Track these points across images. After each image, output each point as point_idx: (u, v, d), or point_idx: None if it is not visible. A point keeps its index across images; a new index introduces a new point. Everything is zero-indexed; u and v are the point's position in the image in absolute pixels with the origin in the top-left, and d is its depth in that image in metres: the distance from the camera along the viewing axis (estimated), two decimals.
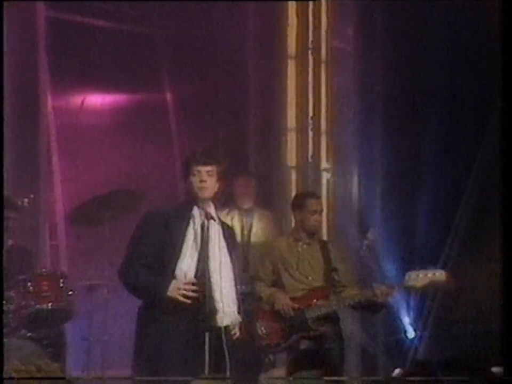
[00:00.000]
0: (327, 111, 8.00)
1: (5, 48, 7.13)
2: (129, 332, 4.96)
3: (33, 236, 7.03)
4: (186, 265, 4.65)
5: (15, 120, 7.41)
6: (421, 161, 7.76)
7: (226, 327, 4.70)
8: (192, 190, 4.79)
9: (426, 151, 7.75)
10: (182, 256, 4.67)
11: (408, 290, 6.45)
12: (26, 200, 6.80)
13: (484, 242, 7.13)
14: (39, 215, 7.19)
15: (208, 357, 4.53)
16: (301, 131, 7.95)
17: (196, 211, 4.76)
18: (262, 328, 6.13)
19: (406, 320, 7.74)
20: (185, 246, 4.67)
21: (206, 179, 4.77)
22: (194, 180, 4.78)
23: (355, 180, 7.96)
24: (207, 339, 4.56)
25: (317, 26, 7.99)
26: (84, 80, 7.83)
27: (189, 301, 4.57)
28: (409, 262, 7.34)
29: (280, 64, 8.01)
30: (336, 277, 6.32)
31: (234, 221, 7.18)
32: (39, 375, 4.05)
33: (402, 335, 7.72)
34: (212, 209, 4.80)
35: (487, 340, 6.69)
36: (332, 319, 6.23)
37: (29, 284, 5.83)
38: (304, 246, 6.36)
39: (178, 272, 4.65)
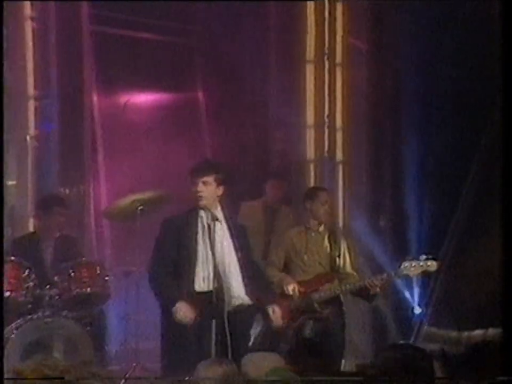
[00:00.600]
0: (342, 110, 8.81)
1: (53, 55, 8.04)
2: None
3: (79, 226, 7.94)
4: (200, 266, 5.52)
5: (64, 119, 8.33)
6: (428, 155, 8.42)
7: (232, 311, 5.53)
8: (193, 198, 5.65)
9: (434, 146, 8.40)
10: (197, 258, 5.54)
11: (403, 278, 7.12)
12: (69, 191, 7.73)
13: (483, 235, 7.77)
14: (84, 207, 8.11)
15: (215, 340, 5.37)
16: (318, 128, 8.77)
17: (202, 214, 5.62)
18: (271, 309, 6.56)
19: (414, 299, 8.53)
20: (198, 245, 5.53)
21: (202, 189, 5.60)
22: (194, 190, 5.64)
23: (367, 172, 8.72)
24: (213, 325, 5.39)
25: (333, 31, 8.78)
26: (126, 84, 8.72)
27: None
28: (415, 249, 8.13)
29: (299, 67, 8.80)
30: (341, 264, 6.97)
31: (259, 215, 7.87)
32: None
33: (410, 311, 8.53)
34: (218, 211, 5.65)
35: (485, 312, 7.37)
36: (335, 302, 6.89)
37: (71, 270, 6.71)
38: (314, 234, 6.98)
39: (197, 277, 5.53)
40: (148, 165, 8.22)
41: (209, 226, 5.56)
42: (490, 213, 7.23)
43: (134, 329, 6.99)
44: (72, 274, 6.66)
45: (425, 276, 7.10)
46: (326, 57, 8.67)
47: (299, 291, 6.82)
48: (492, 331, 6.89)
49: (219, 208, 5.69)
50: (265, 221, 7.85)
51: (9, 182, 7.92)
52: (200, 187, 5.61)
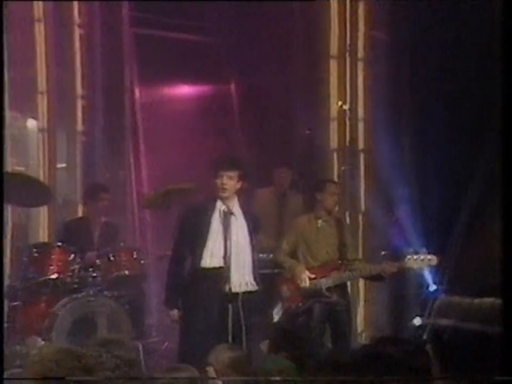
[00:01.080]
0: (363, 102, 9.46)
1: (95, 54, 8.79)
2: None
3: (122, 213, 8.76)
4: (212, 244, 6.21)
5: (108, 114, 9.13)
6: (444, 146, 8.96)
7: (243, 293, 6.19)
8: (216, 189, 6.29)
9: (450, 136, 8.92)
10: (209, 238, 6.23)
11: (407, 270, 7.62)
12: (113, 180, 8.51)
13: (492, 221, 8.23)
14: (127, 195, 8.93)
15: (232, 324, 6.02)
16: (341, 119, 9.46)
17: (219, 204, 6.29)
18: (285, 292, 7.37)
19: (429, 278, 9.17)
20: (211, 231, 6.22)
21: (227, 182, 6.25)
22: (218, 182, 6.27)
23: (386, 160, 9.35)
24: (230, 309, 6.03)
25: (354, 28, 9.40)
26: (164, 80, 9.49)
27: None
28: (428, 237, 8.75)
29: (323, 62, 9.47)
30: (347, 251, 7.43)
31: (271, 202, 8.53)
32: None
33: (425, 288, 9.20)
34: (235, 202, 6.31)
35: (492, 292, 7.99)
36: (342, 288, 7.42)
37: (111, 255, 7.55)
38: (323, 223, 7.42)
39: (206, 251, 6.22)
40: (183, 155, 8.98)
41: (225, 214, 6.24)
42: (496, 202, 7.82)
43: None
44: (112, 258, 7.50)
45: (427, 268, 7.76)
46: (347, 53, 9.32)
47: (308, 277, 7.26)
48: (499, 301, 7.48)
49: (235, 199, 6.37)
50: (277, 205, 8.51)
51: (60, 165, 8.81)
52: (225, 180, 6.25)
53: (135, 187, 9.02)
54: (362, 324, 9.21)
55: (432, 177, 9.00)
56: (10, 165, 8.30)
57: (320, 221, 7.48)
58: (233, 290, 6.17)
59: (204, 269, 6.24)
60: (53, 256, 7.42)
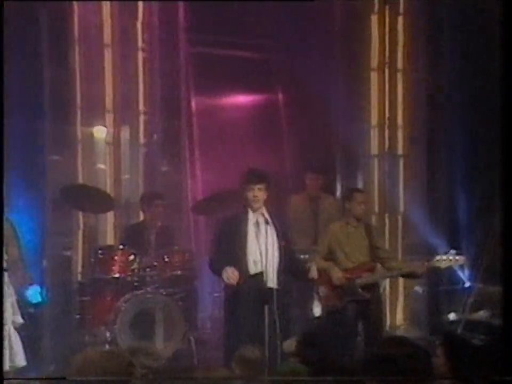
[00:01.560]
0: (402, 111, 10.20)
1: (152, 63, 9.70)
2: None
3: (178, 218, 9.67)
4: (252, 252, 7.00)
5: (166, 123, 10.05)
6: (478, 152, 9.56)
7: (276, 289, 6.94)
8: (248, 201, 7.05)
9: (482, 143, 9.47)
10: (248, 247, 7.01)
11: (435, 269, 8.20)
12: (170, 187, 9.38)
13: None
14: (182, 201, 9.84)
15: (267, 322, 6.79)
16: (380, 127, 10.20)
17: (251, 214, 7.07)
18: (321, 292, 8.02)
19: (464, 275, 9.83)
20: (248, 240, 7.00)
21: (257, 194, 7.01)
22: (250, 194, 7.02)
23: (424, 165, 10.08)
24: (266, 309, 6.77)
25: (393, 42, 10.15)
26: (218, 93, 10.38)
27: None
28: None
29: (364, 74, 10.23)
30: (379, 253, 8.05)
31: (304, 205, 9.26)
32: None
33: (461, 285, 9.88)
34: (264, 211, 7.07)
35: None
36: (374, 287, 8.05)
37: (166, 256, 8.44)
38: (352, 229, 8.04)
39: (250, 259, 6.98)
40: (234, 162, 9.80)
41: (258, 223, 7.02)
42: None
43: (218, 303, 8.59)
44: (167, 259, 8.41)
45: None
46: (386, 65, 10.07)
47: (344, 277, 7.91)
48: None
49: (264, 209, 7.12)
50: (311, 209, 9.24)
51: (124, 177, 9.79)
52: (256, 192, 7.02)
53: (190, 193, 9.92)
54: (401, 318, 10.01)
55: (464, 178, 9.69)
56: (82, 176, 9.39)
57: (350, 227, 8.09)
58: (269, 290, 6.95)
59: (250, 275, 7.03)
60: (115, 258, 8.38)
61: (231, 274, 6.89)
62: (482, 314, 9.32)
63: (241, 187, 7.16)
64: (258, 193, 7.06)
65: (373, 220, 9.84)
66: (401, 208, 10.06)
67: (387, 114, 10.09)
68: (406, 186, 10.06)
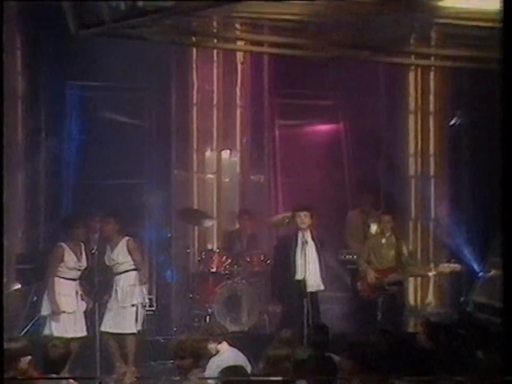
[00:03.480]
0: (434, 142, 13.49)
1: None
2: None
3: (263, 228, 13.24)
4: (298, 263, 10.51)
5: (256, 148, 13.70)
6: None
7: (312, 293, 10.33)
8: (297, 225, 10.54)
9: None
10: (297, 260, 10.51)
11: (440, 273, 11.53)
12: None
13: None
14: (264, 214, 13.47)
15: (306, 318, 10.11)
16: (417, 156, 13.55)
17: (299, 234, 10.56)
18: (360, 286, 11.20)
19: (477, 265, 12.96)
20: (297, 254, 10.47)
21: (304, 219, 10.51)
22: (299, 219, 10.52)
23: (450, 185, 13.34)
24: (305, 303, 10.20)
25: (425, 92, 13.42)
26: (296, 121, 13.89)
27: None
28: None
29: (404, 116, 13.56)
30: (402, 259, 11.09)
31: (357, 218, 12.38)
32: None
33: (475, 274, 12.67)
34: (308, 232, 10.57)
35: None
36: (399, 284, 11.16)
37: (248, 257, 12.09)
38: (384, 240, 11.15)
39: (297, 269, 10.47)
40: (308, 182, 13.34)
41: (303, 242, 10.52)
42: None
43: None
44: (248, 259, 12.13)
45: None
46: (419, 110, 13.38)
47: (375, 277, 10.98)
48: None
49: (309, 231, 10.64)
50: (362, 222, 12.35)
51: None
52: (303, 218, 10.54)
53: (274, 209, 13.57)
54: (432, 298, 13.39)
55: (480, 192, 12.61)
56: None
57: (383, 238, 11.26)
58: (308, 290, 10.33)
59: (296, 280, 10.50)
60: (213, 258, 12.19)
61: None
62: (484, 297, 12.36)
63: (292, 214, 10.73)
64: (304, 219, 10.50)
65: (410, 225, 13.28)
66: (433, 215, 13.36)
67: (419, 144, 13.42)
68: (437, 204, 13.33)
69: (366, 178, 13.43)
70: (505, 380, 4.42)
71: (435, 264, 11.79)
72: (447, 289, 13.25)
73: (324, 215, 11.61)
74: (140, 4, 7.51)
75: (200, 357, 7.46)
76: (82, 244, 10.38)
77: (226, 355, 8.37)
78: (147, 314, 11.07)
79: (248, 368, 8.12)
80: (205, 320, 11.79)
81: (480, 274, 12.61)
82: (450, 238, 13.03)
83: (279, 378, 6.80)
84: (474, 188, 12.94)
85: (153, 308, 12.59)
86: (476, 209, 12.86)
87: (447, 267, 11.36)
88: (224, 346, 8.46)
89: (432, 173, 13.50)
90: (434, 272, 11.62)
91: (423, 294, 13.37)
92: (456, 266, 11.35)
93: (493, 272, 12.19)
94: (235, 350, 8.53)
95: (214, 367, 7.95)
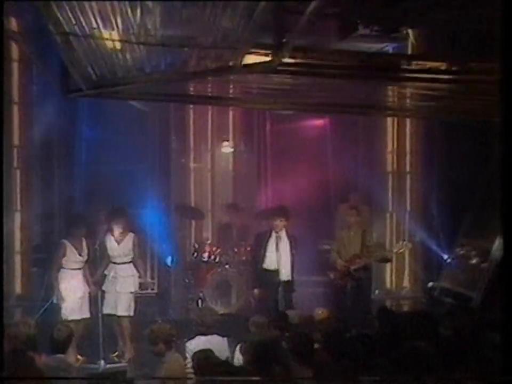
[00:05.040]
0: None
1: None
2: None
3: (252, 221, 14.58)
4: (269, 254, 12.08)
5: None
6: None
7: (285, 281, 11.85)
8: (272, 227, 12.01)
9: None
10: (268, 250, 12.06)
11: (394, 253, 12.98)
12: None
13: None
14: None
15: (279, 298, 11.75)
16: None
17: (273, 234, 12.00)
18: (331, 274, 12.52)
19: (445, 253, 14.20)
20: (268, 246, 12.01)
21: (278, 224, 11.88)
22: (273, 223, 11.95)
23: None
24: (279, 290, 11.80)
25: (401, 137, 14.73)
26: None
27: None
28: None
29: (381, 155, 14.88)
30: (368, 249, 12.36)
31: (346, 213, 13.24)
32: None
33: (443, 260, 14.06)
34: (283, 231, 12.02)
35: None
36: (365, 269, 12.42)
37: (235, 249, 13.49)
38: (352, 233, 12.43)
39: (268, 260, 12.01)
40: (297, 179, 14.55)
41: (277, 237, 11.97)
42: None
43: None
44: (236, 250, 13.53)
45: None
46: (395, 151, 14.72)
47: (344, 265, 12.35)
48: None
49: (284, 230, 12.03)
50: (350, 215, 13.38)
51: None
52: (278, 224, 11.94)
53: (260, 204, 14.97)
54: (407, 283, 14.75)
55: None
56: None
57: (351, 232, 12.60)
58: (282, 279, 11.88)
59: (270, 270, 12.01)
60: (205, 248, 13.65)
61: None
62: (449, 284, 13.44)
63: (270, 217, 12.18)
64: (278, 223, 11.99)
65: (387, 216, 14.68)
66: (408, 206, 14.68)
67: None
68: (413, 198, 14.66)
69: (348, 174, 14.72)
70: (505, 380, 4.37)
71: (390, 247, 13.34)
72: (420, 276, 14.58)
73: (311, 208, 13.34)
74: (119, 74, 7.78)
75: (171, 343, 8.50)
76: (83, 239, 11.69)
77: (203, 339, 9.17)
78: (150, 296, 12.61)
79: (226, 352, 9.07)
80: (197, 304, 13.19)
81: (447, 262, 13.98)
82: (422, 230, 14.36)
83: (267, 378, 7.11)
84: (444, 184, 14.22)
85: (155, 291, 14.26)
86: (445, 205, 14.12)
87: (399, 246, 12.84)
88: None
89: (408, 169, 14.81)
90: (391, 254, 13.04)
91: (399, 279, 14.72)
92: (407, 245, 12.82)
93: (456, 261, 13.55)
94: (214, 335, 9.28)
95: (189, 350, 9.00)
